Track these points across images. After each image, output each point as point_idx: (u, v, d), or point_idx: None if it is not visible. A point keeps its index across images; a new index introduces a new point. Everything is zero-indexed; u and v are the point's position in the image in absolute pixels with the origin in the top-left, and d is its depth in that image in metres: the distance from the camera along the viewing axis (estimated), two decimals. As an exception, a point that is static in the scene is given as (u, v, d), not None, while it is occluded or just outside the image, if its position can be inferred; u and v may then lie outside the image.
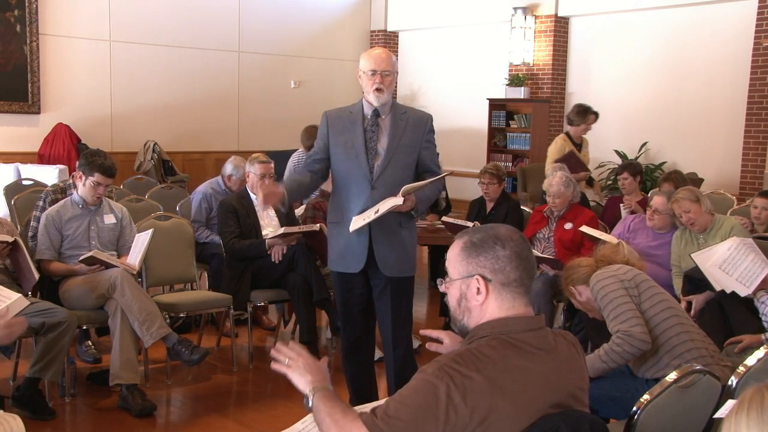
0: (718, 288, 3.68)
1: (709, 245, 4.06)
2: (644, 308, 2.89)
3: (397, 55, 11.77)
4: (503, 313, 1.84)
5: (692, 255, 4.00)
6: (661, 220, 4.65)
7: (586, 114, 7.00)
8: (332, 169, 3.59)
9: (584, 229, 4.78)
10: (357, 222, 3.37)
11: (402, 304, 3.60)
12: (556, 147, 6.92)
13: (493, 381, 1.70)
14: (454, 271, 1.90)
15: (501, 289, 1.84)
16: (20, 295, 3.77)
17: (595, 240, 4.64)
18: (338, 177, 3.55)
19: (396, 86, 3.61)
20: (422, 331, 2.31)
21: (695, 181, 7.11)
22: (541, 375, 1.77)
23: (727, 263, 3.63)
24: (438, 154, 3.65)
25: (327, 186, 5.29)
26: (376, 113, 3.47)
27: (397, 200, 3.25)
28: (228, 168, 5.58)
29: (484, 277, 1.84)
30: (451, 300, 1.92)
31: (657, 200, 4.68)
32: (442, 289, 1.97)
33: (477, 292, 1.85)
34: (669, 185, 5.33)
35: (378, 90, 3.42)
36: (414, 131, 3.49)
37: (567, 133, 7.05)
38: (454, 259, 1.90)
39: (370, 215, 3.32)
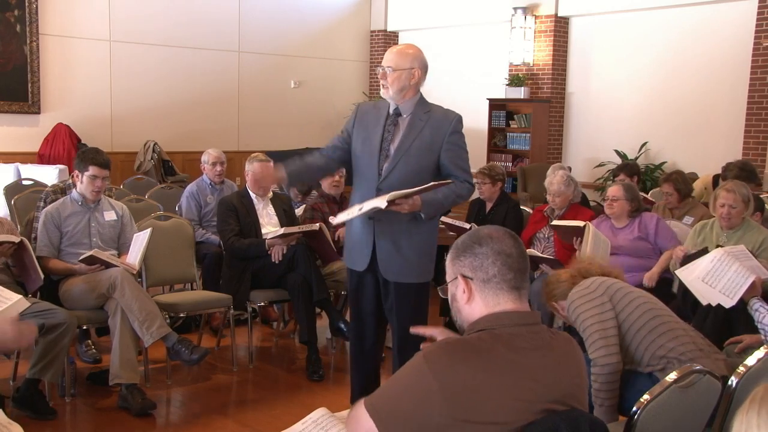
0: (704, 302, 3.65)
1: (730, 244, 4.03)
2: (621, 318, 2.91)
3: (397, 55, 11.77)
4: (489, 309, 1.87)
5: (676, 272, 4.00)
6: (620, 207, 4.69)
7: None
8: (352, 164, 3.49)
9: (555, 223, 4.79)
10: (340, 216, 3.30)
11: (405, 310, 3.41)
12: None
13: (478, 373, 1.72)
14: (447, 275, 1.97)
15: (483, 286, 1.87)
16: (21, 296, 3.78)
17: (570, 239, 4.65)
18: (355, 174, 3.46)
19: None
20: (413, 329, 2.31)
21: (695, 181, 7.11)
22: (533, 370, 1.77)
23: (710, 275, 3.58)
24: (466, 157, 3.42)
25: (328, 188, 5.33)
26: (397, 112, 3.36)
27: (380, 202, 3.11)
28: (203, 159, 5.89)
29: (465, 276, 1.89)
30: (450, 303, 1.98)
31: (612, 189, 4.77)
32: (444, 296, 2.01)
33: (462, 291, 1.90)
34: (669, 186, 5.32)
35: (383, 87, 3.34)
36: (433, 132, 3.32)
37: None
38: (447, 265, 1.97)
39: (354, 211, 3.22)
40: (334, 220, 3.32)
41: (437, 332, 2.18)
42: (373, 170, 3.35)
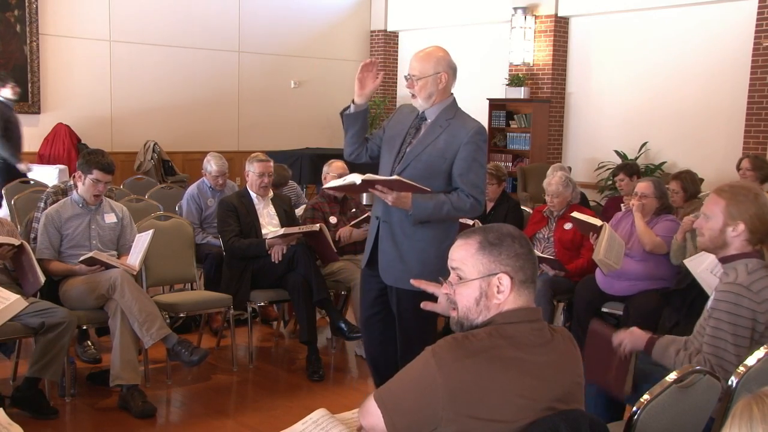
0: (710, 292, 3.67)
1: None
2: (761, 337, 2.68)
3: (396, 56, 11.78)
4: (509, 306, 1.87)
5: (684, 261, 4.01)
6: (650, 205, 4.64)
7: None
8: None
9: (575, 214, 4.75)
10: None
11: (406, 317, 3.31)
12: None
13: (484, 369, 1.72)
14: (472, 270, 1.89)
15: (520, 286, 1.87)
16: (19, 296, 3.78)
17: (587, 232, 4.64)
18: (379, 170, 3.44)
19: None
20: (413, 281, 2.27)
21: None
22: (538, 368, 1.78)
23: (718, 267, 3.61)
24: (478, 172, 3.24)
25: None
26: (422, 117, 3.31)
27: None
28: (204, 166, 5.82)
29: (509, 275, 1.86)
30: (465, 300, 1.90)
31: (642, 186, 4.70)
32: (446, 290, 1.96)
33: (498, 290, 1.86)
34: (676, 184, 5.29)
35: (412, 96, 3.28)
36: (448, 140, 3.20)
37: None
38: (471, 258, 1.89)
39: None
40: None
41: (435, 288, 2.20)
42: (387, 169, 3.33)
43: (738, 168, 6.12)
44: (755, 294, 2.63)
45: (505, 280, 1.86)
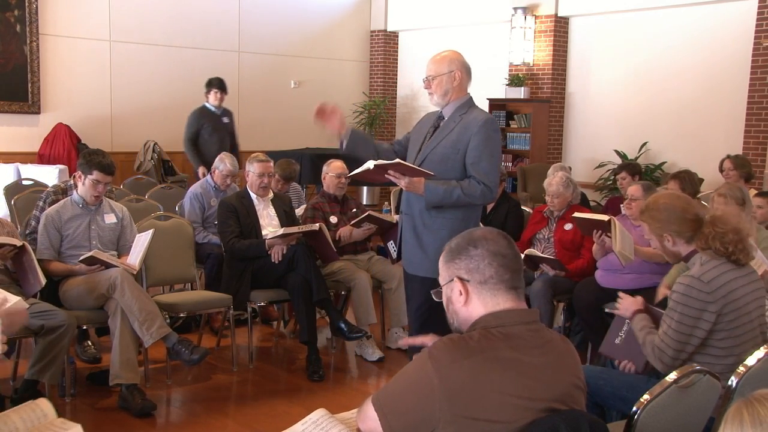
0: None
1: None
2: (715, 330, 2.73)
3: (396, 56, 11.77)
4: (488, 309, 1.88)
5: None
6: (638, 207, 4.64)
7: None
8: None
9: (577, 214, 4.72)
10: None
11: (416, 305, 3.48)
12: None
13: (480, 370, 1.73)
14: (441, 278, 1.98)
15: (480, 287, 1.89)
16: (19, 297, 3.77)
17: (590, 231, 4.63)
18: None
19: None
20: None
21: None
22: (534, 369, 1.78)
23: None
24: (490, 160, 3.40)
25: (333, 188, 5.33)
26: (441, 116, 3.50)
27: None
28: (216, 165, 5.80)
29: (461, 279, 1.90)
30: (444, 304, 1.99)
31: (632, 189, 4.74)
32: (438, 299, 2.03)
33: (459, 294, 1.90)
34: (675, 183, 5.26)
35: (430, 95, 3.47)
36: (460, 133, 3.39)
37: None
38: (442, 266, 1.98)
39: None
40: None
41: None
42: None
43: (721, 170, 6.08)
44: (706, 284, 2.72)
45: (459, 284, 1.90)
